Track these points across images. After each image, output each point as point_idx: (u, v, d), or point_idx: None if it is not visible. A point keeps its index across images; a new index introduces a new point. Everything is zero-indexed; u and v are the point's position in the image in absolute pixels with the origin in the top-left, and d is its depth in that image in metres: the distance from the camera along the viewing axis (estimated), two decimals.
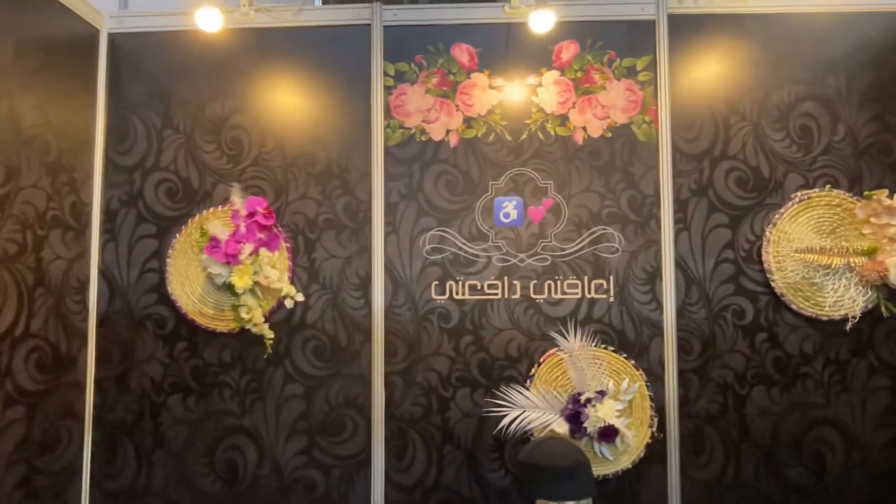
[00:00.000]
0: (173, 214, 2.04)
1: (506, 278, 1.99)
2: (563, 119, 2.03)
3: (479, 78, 2.04)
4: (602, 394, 1.87)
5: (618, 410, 1.86)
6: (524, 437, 1.90)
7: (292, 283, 2.00)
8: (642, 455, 1.91)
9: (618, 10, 2.04)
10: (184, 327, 2.02)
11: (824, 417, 1.93)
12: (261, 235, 1.96)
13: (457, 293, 1.99)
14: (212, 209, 2.03)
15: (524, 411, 1.87)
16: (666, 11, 2.02)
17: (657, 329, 1.96)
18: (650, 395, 1.93)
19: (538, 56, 2.04)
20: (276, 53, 2.08)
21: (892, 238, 1.85)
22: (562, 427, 1.85)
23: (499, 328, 1.98)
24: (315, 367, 2.00)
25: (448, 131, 2.04)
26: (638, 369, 1.94)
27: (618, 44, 2.03)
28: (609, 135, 2.02)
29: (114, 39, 2.09)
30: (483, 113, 2.04)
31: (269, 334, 1.95)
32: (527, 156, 2.02)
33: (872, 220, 1.88)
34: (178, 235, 2.02)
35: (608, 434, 1.85)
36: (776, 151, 1.99)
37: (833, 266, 1.92)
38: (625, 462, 1.91)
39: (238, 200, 1.98)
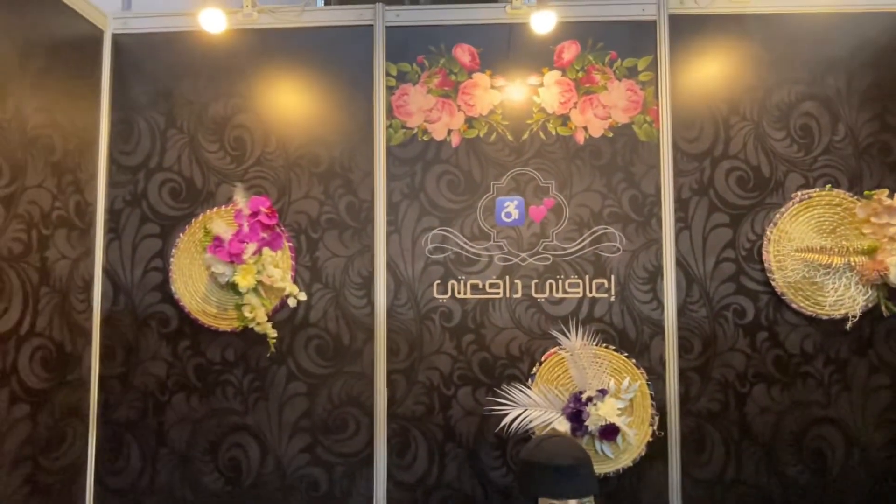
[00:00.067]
0: (177, 214, 2.06)
1: (507, 277, 2.00)
2: (565, 119, 2.04)
3: (481, 78, 2.05)
4: (603, 392, 1.88)
5: (619, 409, 1.87)
6: (525, 436, 1.91)
7: (295, 282, 2.01)
8: (643, 453, 1.92)
9: (619, 10, 2.05)
10: (187, 326, 2.03)
11: (824, 416, 1.93)
12: (264, 235, 1.97)
13: (459, 292, 2.00)
14: (215, 209, 2.04)
15: (526, 410, 1.88)
16: (667, 12, 2.03)
17: (658, 328, 1.97)
18: (651, 394, 1.93)
19: (539, 56, 2.05)
20: (279, 54, 2.09)
21: (892, 237, 1.86)
22: (563, 425, 1.86)
23: (500, 327, 1.99)
24: (318, 365, 2.01)
25: (450, 131, 2.05)
26: (639, 368, 1.95)
27: (619, 44, 2.04)
28: (610, 135, 2.02)
29: (118, 40, 2.10)
30: (485, 113, 2.05)
31: (272, 333, 1.97)
32: (528, 155, 2.03)
33: (873, 219, 1.88)
34: (181, 235, 2.04)
35: (609, 432, 1.86)
36: (777, 151, 1.99)
37: (833, 265, 1.93)
38: (626, 460, 1.92)
39: (241, 200, 1.99)
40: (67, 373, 1.89)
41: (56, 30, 1.88)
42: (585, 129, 2.03)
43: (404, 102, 2.06)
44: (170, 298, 2.03)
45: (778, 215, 1.95)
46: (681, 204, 1.99)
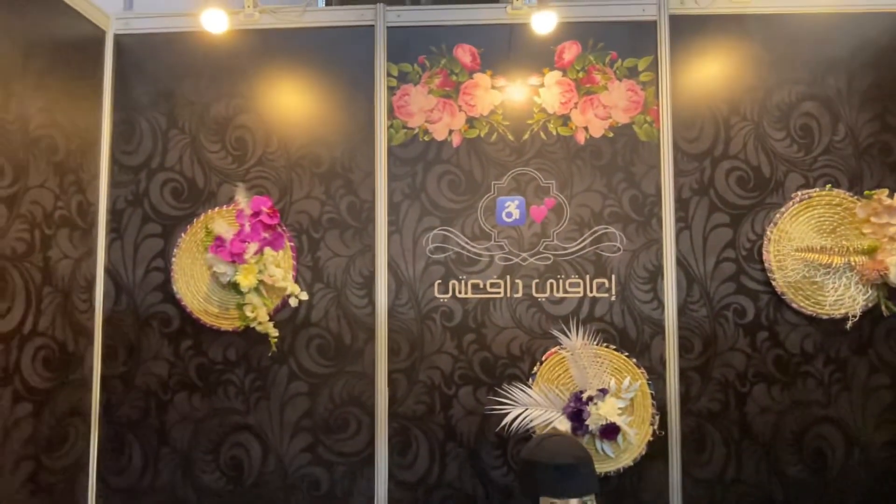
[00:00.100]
0: (179, 214, 2.06)
1: (508, 277, 2.01)
2: (565, 119, 2.04)
3: (482, 78, 2.06)
4: (604, 392, 1.88)
5: (619, 408, 1.87)
6: (526, 435, 1.91)
7: (296, 281, 2.02)
8: (644, 453, 1.93)
9: (619, 10, 2.05)
10: (189, 326, 2.03)
11: (825, 415, 1.94)
12: (265, 235, 1.98)
13: (459, 292, 2.01)
14: (217, 209, 2.05)
15: (526, 409, 1.89)
16: (667, 12, 2.03)
17: (658, 327, 1.97)
18: (651, 394, 1.94)
19: (540, 56, 2.06)
20: (281, 54, 2.09)
21: (893, 237, 1.86)
22: (564, 425, 1.87)
23: (501, 327, 2.00)
24: (319, 365, 2.02)
25: (451, 131, 2.05)
26: (639, 367, 1.95)
27: (619, 44, 2.05)
28: (611, 135, 2.03)
29: (120, 41, 2.11)
30: (485, 113, 2.05)
31: (274, 333, 1.97)
32: (529, 156, 2.04)
33: (873, 219, 1.89)
34: (183, 235, 2.04)
35: (610, 432, 1.86)
36: (777, 151, 2.00)
37: (833, 265, 1.93)
38: (626, 460, 1.92)
39: (243, 200, 2.00)
40: (70, 372, 1.90)
41: (58, 30, 1.89)
42: (586, 129, 2.03)
43: (405, 103, 2.06)
44: (171, 298, 2.03)
45: (778, 215, 1.96)
46: (681, 204, 2.00)
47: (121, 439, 2.03)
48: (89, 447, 2.00)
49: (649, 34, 2.04)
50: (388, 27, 2.08)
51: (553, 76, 2.05)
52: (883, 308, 1.92)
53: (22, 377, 1.68)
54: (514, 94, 2.05)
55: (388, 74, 2.07)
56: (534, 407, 1.90)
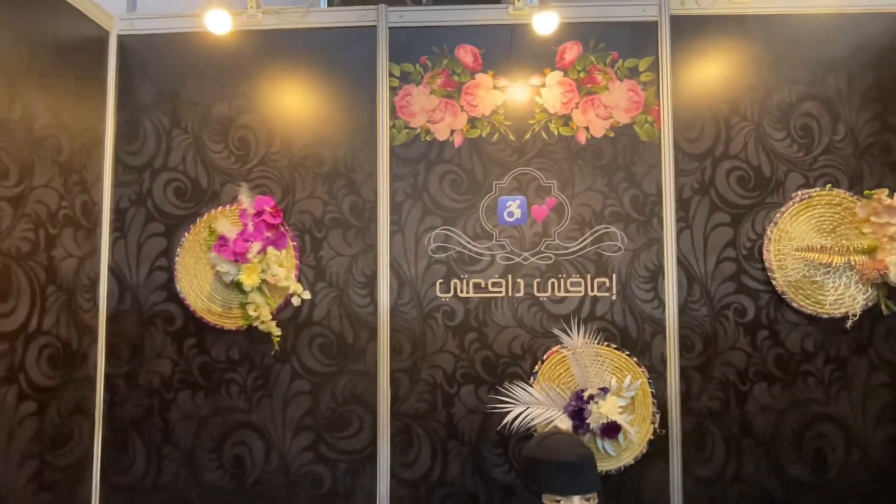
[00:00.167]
0: (182, 213, 2.07)
1: (510, 276, 2.01)
2: (567, 119, 2.05)
3: (484, 79, 2.07)
4: (605, 390, 1.89)
5: (620, 407, 1.88)
6: (528, 434, 1.92)
7: (299, 281, 2.03)
8: (644, 451, 1.94)
9: (620, 11, 2.06)
10: (192, 325, 2.05)
11: (825, 414, 1.95)
12: (268, 234, 1.99)
13: (461, 291, 2.02)
14: (220, 208, 2.06)
15: (528, 408, 1.90)
16: (668, 12, 2.04)
17: (659, 327, 1.98)
18: (652, 392, 1.95)
19: (541, 57, 2.07)
20: (283, 55, 2.10)
21: (892, 237, 1.87)
22: (565, 423, 1.87)
23: (503, 326, 2.00)
24: (321, 363, 2.03)
25: (452, 131, 2.06)
26: (640, 366, 1.96)
27: (620, 45, 2.05)
28: (612, 135, 2.04)
29: (123, 41, 2.12)
30: (487, 113, 2.06)
31: (277, 332, 1.98)
32: (530, 155, 2.05)
33: (873, 218, 1.89)
34: (186, 234, 2.05)
35: (611, 430, 1.87)
36: (777, 151, 2.00)
37: (833, 264, 1.94)
38: (627, 458, 1.93)
39: (246, 200, 2.01)
40: (74, 371, 1.91)
41: (62, 31, 1.90)
42: (587, 129, 2.04)
43: (407, 103, 2.07)
44: (175, 297, 2.04)
45: (778, 215, 1.97)
46: (682, 203, 2.00)
47: (124, 437, 2.04)
48: (93, 445, 2.02)
49: (650, 35, 2.05)
50: (390, 28, 2.09)
51: (554, 76, 2.06)
52: (883, 307, 1.92)
53: (27, 375, 1.69)
54: (515, 94, 2.06)
55: (391, 75, 2.08)
56: (535, 405, 1.91)
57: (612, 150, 2.03)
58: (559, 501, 1.50)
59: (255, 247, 1.95)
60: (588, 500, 1.51)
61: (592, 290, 2.00)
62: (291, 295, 2.00)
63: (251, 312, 1.95)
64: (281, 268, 1.97)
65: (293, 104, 2.11)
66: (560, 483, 1.51)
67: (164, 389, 2.04)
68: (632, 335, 1.98)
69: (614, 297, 2.00)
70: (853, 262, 1.93)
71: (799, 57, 2.02)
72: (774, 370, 1.96)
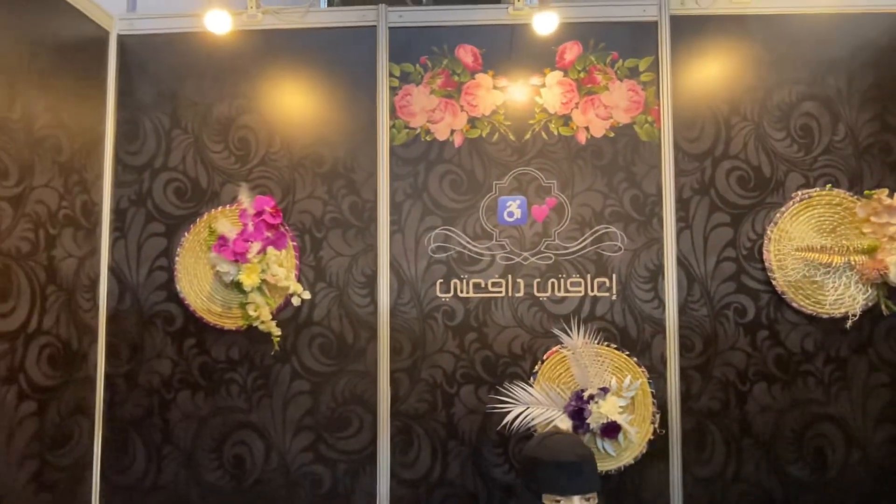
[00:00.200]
0: (182, 213, 2.07)
1: (510, 276, 2.01)
2: (567, 119, 2.05)
3: (484, 79, 2.07)
4: (605, 390, 1.89)
5: (620, 407, 1.88)
6: (527, 434, 1.92)
7: (299, 281, 2.03)
8: (644, 451, 1.94)
9: (620, 11, 2.06)
10: (192, 325, 2.05)
11: (825, 414, 1.95)
12: (268, 234, 1.99)
13: (461, 291, 2.02)
14: (220, 208, 2.06)
15: (528, 408, 1.90)
16: (668, 13, 2.04)
17: (659, 326, 1.98)
18: (652, 392, 1.95)
19: (541, 57, 2.07)
20: (283, 55, 2.10)
21: (892, 237, 1.87)
22: (565, 423, 1.87)
23: (503, 326, 2.01)
24: (321, 363, 2.03)
25: (452, 131, 2.06)
26: (640, 366, 1.96)
27: (620, 45, 2.05)
28: (612, 135, 2.04)
29: (123, 41, 2.12)
30: (487, 113, 2.06)
31: (277, 332, 1.98)
32: (530, 155, 2.05)
33: (872, 218, 1.89)
34: (186, 234, 2.05)
35: (611, 430, 1.87)
36: (777, 151, 2.00)
37: (833, 264, 1.94)
38: (627, 458, 1.93)
39: (246, 200, 2.01)
40: (74, 371, 1.91)
41: (62, 31, 1.90)
42: (587, 129, 2.04)
43: (407, 103, 2.07)
44: (175, 297, 2.04)
45: (778, 215, 1.97)
46: (682, 203, 2.00)
47: (124, 437, 2.04)
48: (93, 445, 2.02)
49: (650, 35, 2.05)
50: (390, 28, 2.09)
51: (554, 76, 2.06)
52: (882, 307, 1.92)
53: (27, 375, 1.70)
54: (515, 94, 2.06)
55: (391, 75, 2.08)
56: (535, 405, 1.91)
57: (612, 150, 2.03)
58: (559, 501, 1.50)
59: (255, 247, 1.95)
60: (588, 499, 1.51)
61: (592, 290, 2.00)
62: (291, 295, 2.00)
63: (251, 312, 1.95)
64: (281, 268, 1.97)
65: (293, 104, 2.11)
66: (560, 483, 1.51)
67: (164, 389, 2.04)
68: (632, 335, 1.99)
69: (614, 297, 2.00)
70: (853, 262, 1.93)
71: (799, 57, 2.02)
72: (774, 370, 1.96)
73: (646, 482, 1.95)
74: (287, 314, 2.04)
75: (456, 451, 1.98)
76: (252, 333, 2.02)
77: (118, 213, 2.08)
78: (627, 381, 1.92)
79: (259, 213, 1.99)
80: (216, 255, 1.96)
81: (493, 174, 2.05)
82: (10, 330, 1.63)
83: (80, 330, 1.94)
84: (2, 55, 1.63)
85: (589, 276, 2.00)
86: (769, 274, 1.96)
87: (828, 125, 2.00)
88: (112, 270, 2.07)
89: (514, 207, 2.03)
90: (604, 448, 1.92)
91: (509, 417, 1.88)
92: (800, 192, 1.97)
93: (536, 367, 1.98)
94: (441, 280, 2.02)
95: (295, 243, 2.05)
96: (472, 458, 1.98)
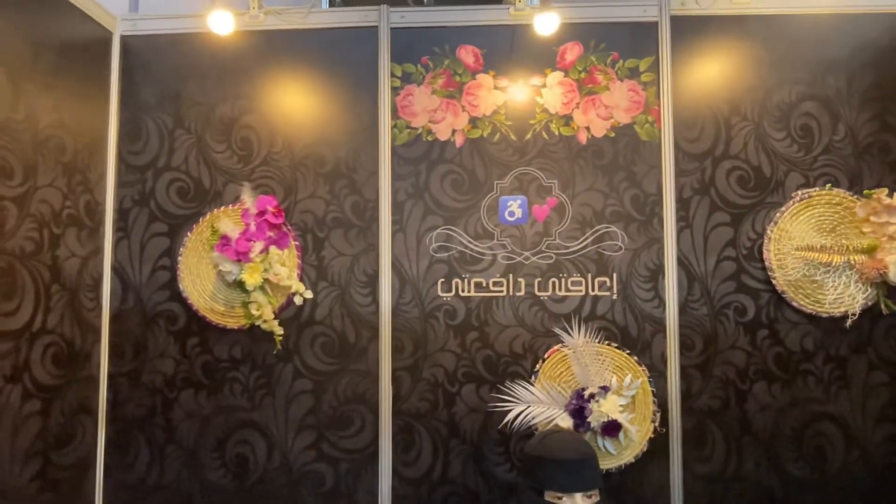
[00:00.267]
0: (185, 213, 2.08)
1: (511, 276, 2.02)
2: (567, 119, 2.06)
3: (485, 79, 2.08)
4: (605, 389, 1.90)
5: (621, 406, 1.89)
6: (529, 432, 1.93)
7: (301, 280, 2.04)
8: (645, 449, 1.94)
9: (621, 11, 2.07)
10: (195, 324, 2.06)
11: (824, 413, 1.95)
12: (270, 234, 2.00)
13: (462, 290, 2.03)
14: (222, 208, 2.07)
15: (529, 406, 1.91)
16: (668, 13, 2.05)
17: (660, 326, 1.99)
18: (653, 391, 1.95)
19: (542, 57, 2.07)
20: (285, 55, 2.11)
21: (892, 236, 1.88)
22: (566, 422, 1.88)
23: (504, 325, 2.01)
24: (323, 363, 2.04)
25: (454, 131, 2.07)
26: (641, 365, 1.97)
27: (621, 45, 2.06)
28: (612, 135, 2.05)
29: (126, 42, 2.13)
30: (488, 113, 2.07)
31: (279, 331, 1.99)
32: (531, 155, 2.06)
33: (872, 218, 1.90)
34: (189, 234, 2.06)
35: (611, 429, 1.88)
36: (777, 151, 2.01)
37: (833, 264, 1.95)
38: (628, 456, 1.94)
39: (248, 199, 2.02)
40: (77, 370, 1.92)
41: (65, 31, 1.91)
42: (588, 129, 2.05)
43: (409, 103, 2.08)
44: (178, 296, 2.05)
45: (778, 214, 1.97)
46: (682, 203, 2.01)
47: (127, 436, 2.05)
48: (96, 444, 2.03)
49: (650, 35, 2.06)
50: (391, 28, 2.09)
51: (555, 76, 2.07)
52: (882, 306, 1.93)
53: (31, 374, 1.70)
54: (516, 94, 2.07)
55: (392, 75, 2.09)
56: (536, 404, 1.92)
57: (612, 150, 2.04)
58: (561, 498, 1.51)
59: (258, 246, 1.96)
60: (590, 497, 1.52)
61: (593, 290, 2.01)
62: (293, 294, 2.01)
63: (254, 311, 1.96)
64: (283, 267, 1.98)
65: (295, 104, 2.12)
66: (562, 480, 1.52)
67: (166, 388, 2.05)
68: (632, 334, 1.99)
69: (615, 297, 2.00)
70: (853, 262, 1.94)
71: (799, 57, 2.03)
72: (774, 369, 1.96)
73: (646, 480, 1.96)
74: (289, 313, 2.05)
75: (457, 449, 1.99)
76: (254, 332, 2.03)
77: (121, 213, 2.09)
78: (628, 379, 1.93)
79: (261, 213, 2.00)
80: (219, 254, 1.97)
81: (495, 174, 2.05)
82: (14, 329, 1.64)
83: (83, 329, 1.95)
84: (5, 56, 1.64)
85: (590, 276, 2.01)
86: (769, 273, 1.96)
87: (828, 125, 2.01)
88: (115, 270, 2.08)
89: (515, 207, 2.04)
90: (604, 446, 1.92)
91: (510, 416, 1.89)
92: (800, 192, 1.98)
93: (537, 366, 1.99)
94: (442, 279, 2.03)
95: (297, 243, 2.06)
96: (473, 456, 1.99)
